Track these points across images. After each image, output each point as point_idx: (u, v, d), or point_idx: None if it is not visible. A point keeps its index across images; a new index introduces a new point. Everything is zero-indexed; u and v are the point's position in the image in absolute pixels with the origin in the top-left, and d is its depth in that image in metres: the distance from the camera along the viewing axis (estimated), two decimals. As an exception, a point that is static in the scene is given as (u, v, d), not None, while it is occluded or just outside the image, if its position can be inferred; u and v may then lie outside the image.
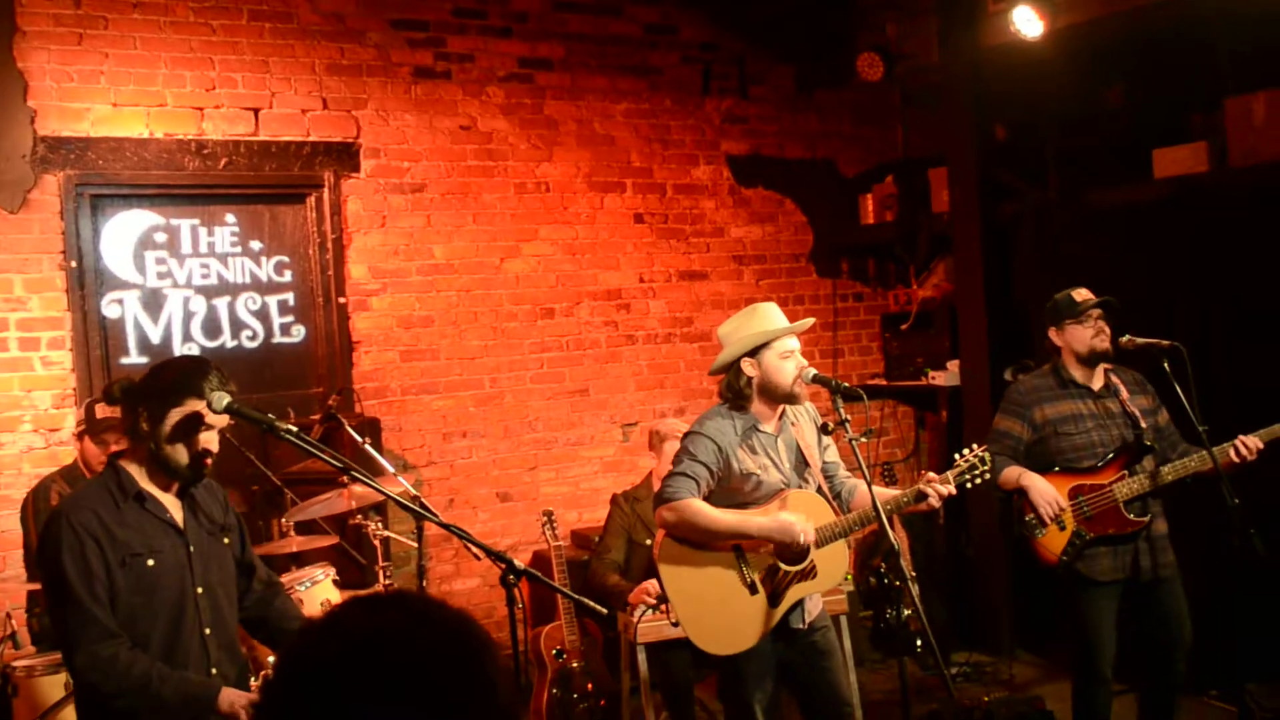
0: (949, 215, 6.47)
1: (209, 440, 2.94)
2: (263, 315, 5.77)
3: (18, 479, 5.11)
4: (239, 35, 5.61)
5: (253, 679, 3.09)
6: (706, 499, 3.64)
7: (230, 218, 5.69)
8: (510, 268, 6.28)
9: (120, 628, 2.84)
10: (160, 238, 5.53)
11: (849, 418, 3.58)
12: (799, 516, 3.59)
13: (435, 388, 6.10)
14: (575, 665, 5.12)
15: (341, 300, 5.85)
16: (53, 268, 5.24)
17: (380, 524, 5.06)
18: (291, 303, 5.83)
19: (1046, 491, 4.15)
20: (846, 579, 5.17)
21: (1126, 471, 4.14)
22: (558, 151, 6.42)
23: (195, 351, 5.54)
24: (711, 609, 3.67)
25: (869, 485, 3.54)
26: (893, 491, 3.77)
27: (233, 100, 5.59)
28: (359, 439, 4.83)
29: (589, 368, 6.51)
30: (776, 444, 3.75)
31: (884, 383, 7.24)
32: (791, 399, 3.72)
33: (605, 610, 3.08)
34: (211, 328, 5.64)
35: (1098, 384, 4.28)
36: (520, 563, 2.82)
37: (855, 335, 7.42)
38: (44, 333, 5.21)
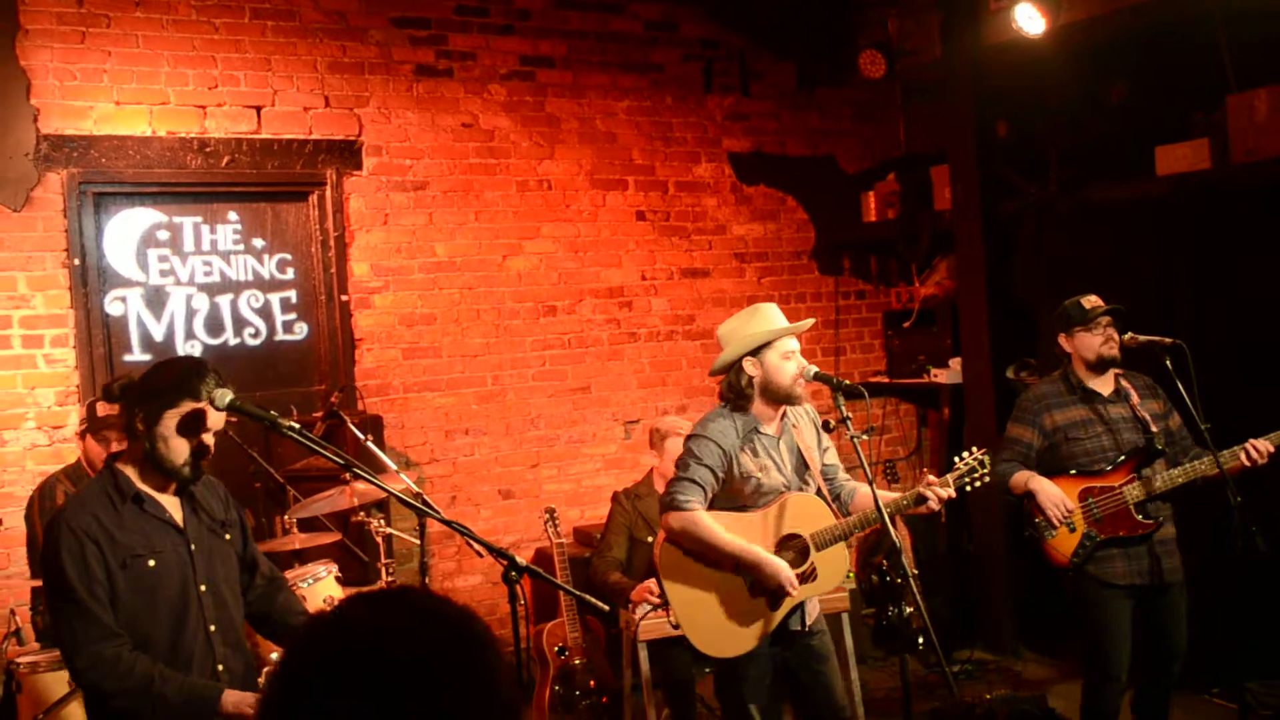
0: (951, 212, 6.47)
1: (206, 440, 2.95)
2: (265, 313, 5.77)
3: (21, 476, 5.12)
4: (241, 33, 5.61)
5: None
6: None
7: (233, 215, 5.70)
8: (512, 265, 6.29)
9: (124, 629, 2.84)
10: (163, 235, 5.54)
11: (850, 415, 3.59)
12: (788, 570, 3.58)
13: (437, 385, 6.10)
14: (577, 662, 5.13)
15: (344, 298, 5.86)
16: (56, 265, 5.25)
17: (382, 521, 5.07)
18: (294, 300, 5.84)
19: (1054, 494, 4.16)
20: (849, 577, 5.17)
21: (1137, 475, 4.15)
22: (559, 149, 6.42)
23: (198, 349, 5.56)
24: (711, 612, 3.67)
25: (870, 484, 3.55)
26: (893, 494, 3.78)
27: (235, 98, 5.60)
28: (361, 436, 4.84)
29: (591, 365, 6.51)
30: (778, 446, 3.75)
31: (886, 380, 7.25)
32: (792, 399, 3.72)
33: (607, 607, 3.09)
34: (214, 325, 5.65)
35: (1108, 389, 4.28)
36: (522, 560, 2.83)
37: (857, 333, 7.43)
38: (47, 330, 5.22)
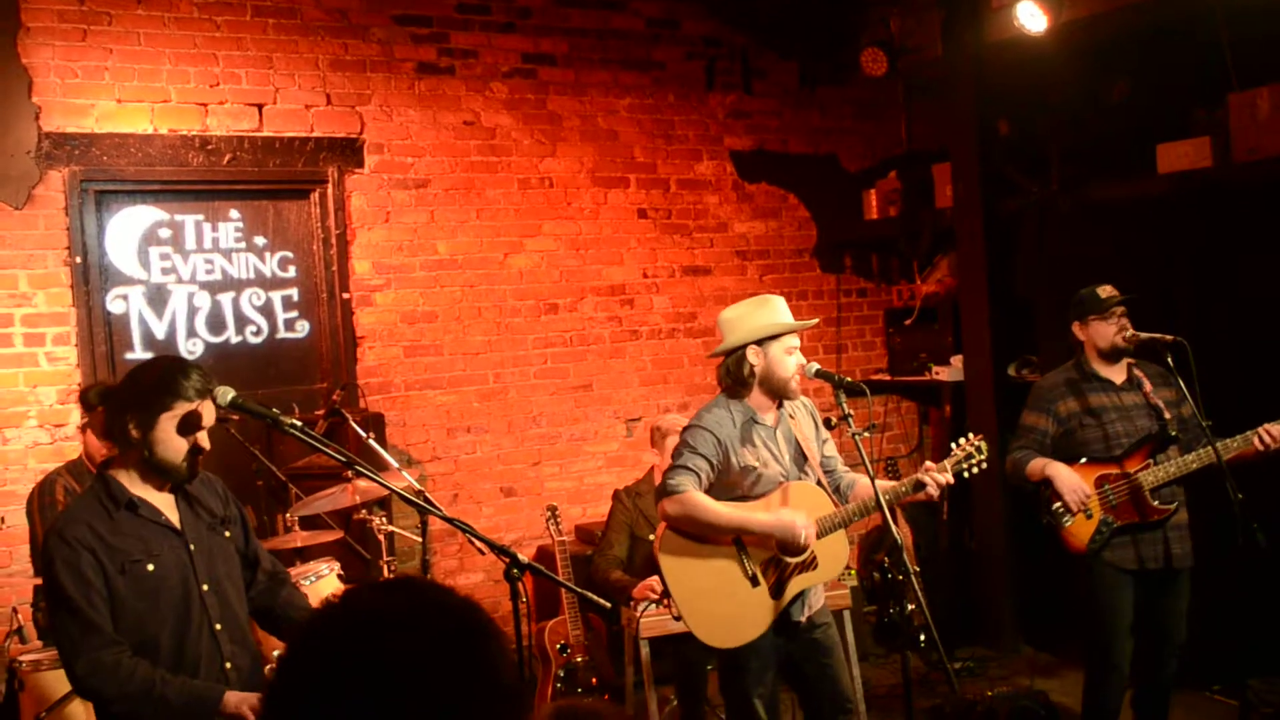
0: (952, 210, 6.47)
1: (201, 439, 2.94)
2: (267, 311, 5.78)
3: (23, 474, 5.12)
4: (243, 31, 5.62)
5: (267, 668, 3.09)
6: (706, 493, 3.65)
7: (234, 213, 5.70)
8: (514, 263, 6.29)
9: (128, 633, 2.84)
10: (165, 233, 5.55)
11: (852, 413, 3.61)
12: (800, 514, 3.60)
13: (439, 383, 6.11)
14: (579, 660, 5.13)
15: (345, 296, 5.86)
16: (57, 263, 5.25)
17: (384, 519, 5.06)
18: (296, 298, 5.85)
19: (1071, 480, 4.16)
20: (850, 573, 5.18)
21: (1152, 460, 4.16)
22: (561, 147, 6.42)
23: (200, 347, 5.57)
24: (713, 602, 3.67)
25: (871, 478, 3.56)
26: (891, 483, 3.79)
27: (237, 96, 5.60)
28: (363, 434, 4.83)
29: (592, 363, 6.52)
30: (775, 436, 3.76)
31: (887, 378, 7.25)
32: (789, 393, 3.74)
33: (609, 605, 3.09)
34: (216, 323, 5.65)
35: (1120, 378, 4.29)
36: (524, 557, 2.83)
37: (859, 330, 7.43)
38: (49, 328, 5.23)
